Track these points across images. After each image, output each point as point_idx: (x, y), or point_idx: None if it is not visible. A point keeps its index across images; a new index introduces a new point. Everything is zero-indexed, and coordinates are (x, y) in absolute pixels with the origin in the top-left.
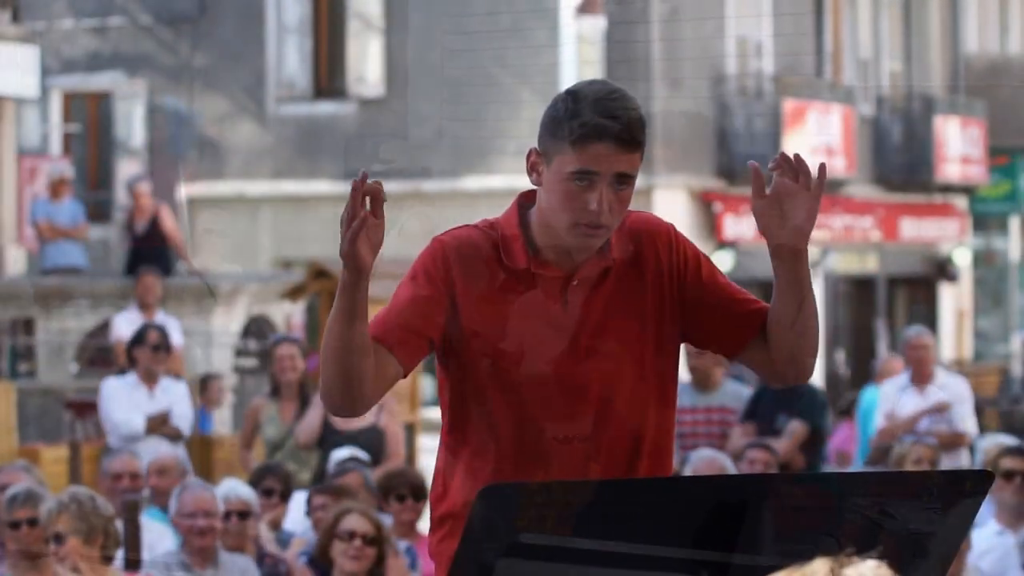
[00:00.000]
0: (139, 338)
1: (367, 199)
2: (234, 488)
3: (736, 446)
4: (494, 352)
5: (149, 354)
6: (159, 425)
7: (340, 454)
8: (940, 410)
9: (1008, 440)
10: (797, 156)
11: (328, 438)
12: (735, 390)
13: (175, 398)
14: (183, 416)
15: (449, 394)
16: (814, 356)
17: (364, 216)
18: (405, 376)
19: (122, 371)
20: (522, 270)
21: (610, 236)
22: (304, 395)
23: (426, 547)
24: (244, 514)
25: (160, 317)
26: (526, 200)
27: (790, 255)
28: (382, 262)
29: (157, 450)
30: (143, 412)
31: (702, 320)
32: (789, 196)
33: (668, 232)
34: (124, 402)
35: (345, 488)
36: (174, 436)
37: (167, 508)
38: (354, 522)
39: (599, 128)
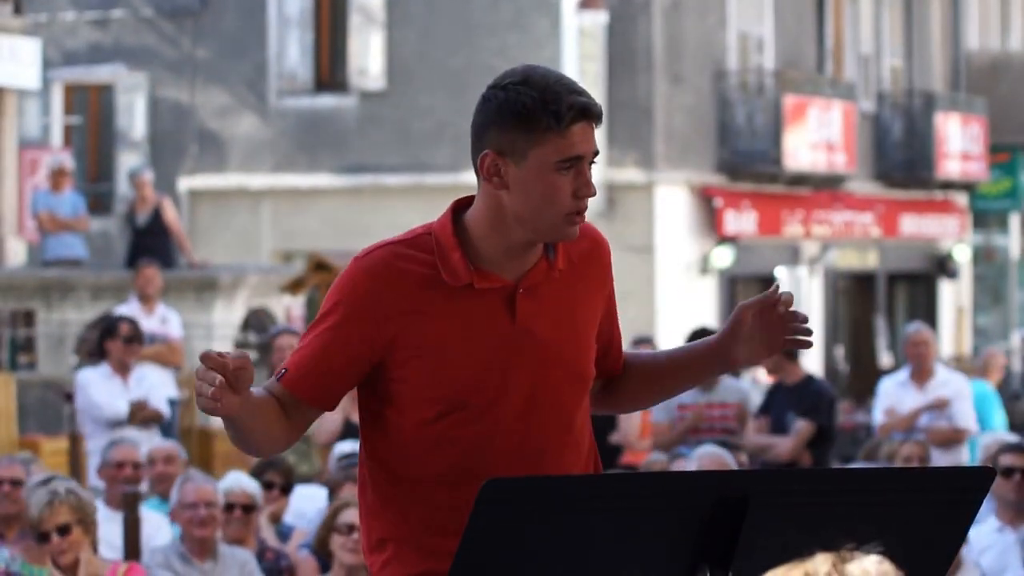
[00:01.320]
0: (111, 330)
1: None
2: (238, 481)
3: (751, 440)
4: (441, 374)
5: (121, 346)
6: (138, 412)
7: (343, 448)
8: (939, 406)
9: (1008, 437)
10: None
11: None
12: (734, 386)
13: (150, 387)
14: (161, 404)
15: (379, 428)
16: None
17: (213, 395)
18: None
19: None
20: (464, 285)
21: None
22: None
23: None
24: (248, 507)
25: (160, 309)
26: (460, 206)
27: (722, 364)
28: None
29: (149, 440)
30: (124, 400)
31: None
32: (763, 331)
33: (606, 246)
34: (104, 389)
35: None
36: (154, 418)
37: (166, 497)
38: (352, 515)
39: (581, 108)
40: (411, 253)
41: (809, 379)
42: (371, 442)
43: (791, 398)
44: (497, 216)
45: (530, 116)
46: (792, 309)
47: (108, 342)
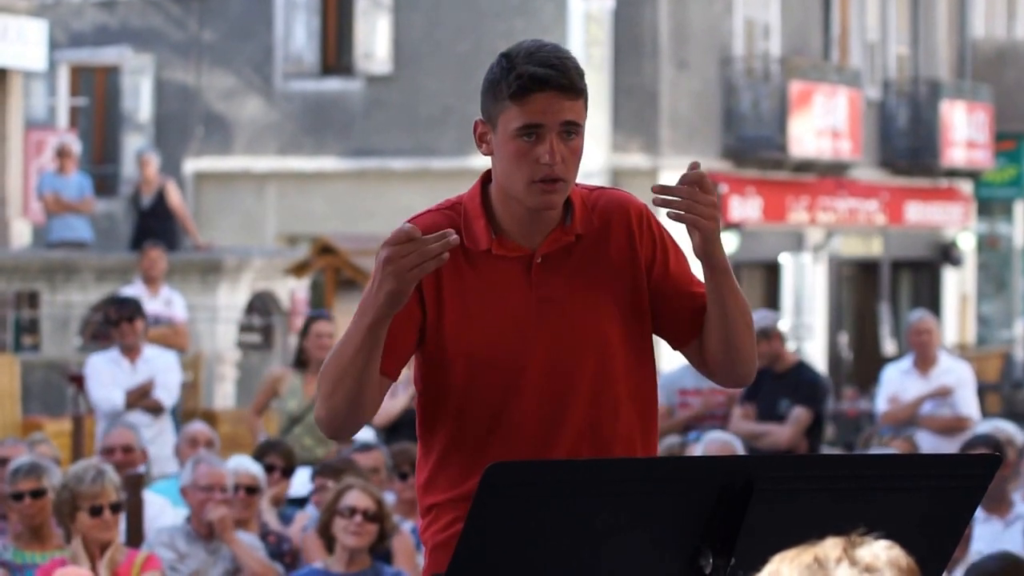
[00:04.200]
0: (108, 316)
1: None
2: (243, 463)
3: (737, 427)
4: (462, 337)
5: (123, 327)
6: (139, 398)
7: None
8: (943, 394)
9: (983, 427)
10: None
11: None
12: None
13: (158, 368)
14: (167, 386)
15: (422, 382)
16: (747, 366)
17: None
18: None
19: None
20: (483, 252)
21: (574, 209)
22: None
23: None
24: (252, 489)
25: (165, 291)
26: (489, 178)
27: (706, 268)
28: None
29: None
30: (124, 386)
31: (657, 307)
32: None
33: (640, 210)
34: (105, 379)
35: (347, 466)
36: (155, 409)
37: None
38: (354, 498)
39: (537, 77)
40: (446, 220)
41: (800, 366)
42: (419, 412)
43: (782, 385)
44: (499, 182)
45: (495, 83)
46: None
47: (111, 328)
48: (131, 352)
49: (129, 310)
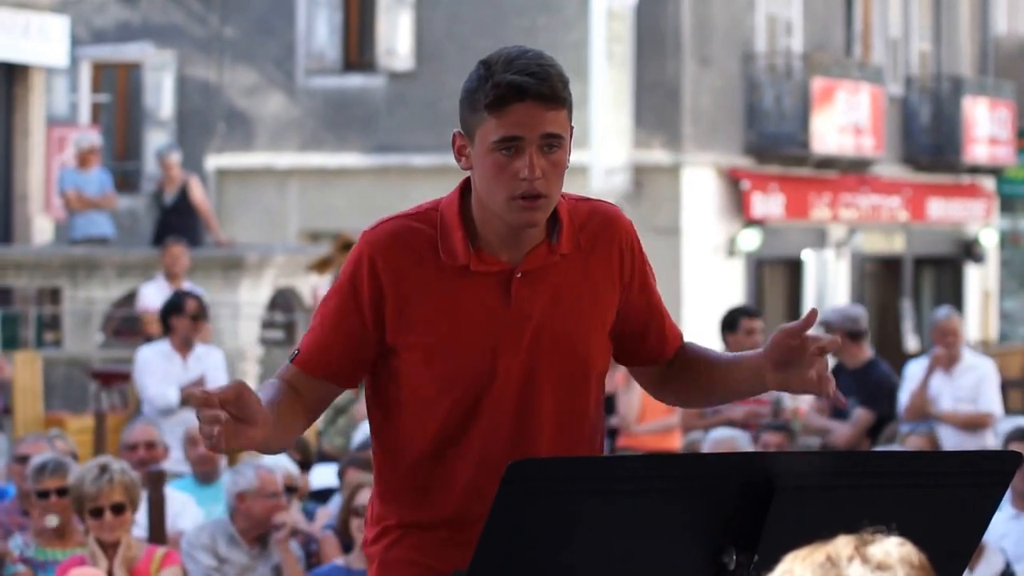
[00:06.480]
0: (176, 306)
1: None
2: (278, 461)
3: (808, 420)
4: (432, 357)
5: (188, 323)
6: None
7: (366, 428)
8: (939, 363)
9: (1021, 422)
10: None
11: None
12: None
13: (209, 366)
14: (218, 384)
15: (379, 403)
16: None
17: (217, 438)
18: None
19: (150, 338)
20: (461, 267)
21: (561, 226)
22: None
23: None
24: (290, 489)
25: (187, 288)
26: (468, 186)
27: (760, 383)
28: None
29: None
30: (177, 382)
31: (623, 325)
32: (800, 357)
33: (628, 228)
34: (158, 374)
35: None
36: None
37: (207, 478)
38: (366, 497)
39: (515, 86)
40: (417, 228)
41: (871, 364)
42: (375, 422)
43: (852, 383)
44: (479, 196)
45: (473, 93)
46: (818, 345)
47: (174, 319)
48: (184, 348)
49: (204, 308)
